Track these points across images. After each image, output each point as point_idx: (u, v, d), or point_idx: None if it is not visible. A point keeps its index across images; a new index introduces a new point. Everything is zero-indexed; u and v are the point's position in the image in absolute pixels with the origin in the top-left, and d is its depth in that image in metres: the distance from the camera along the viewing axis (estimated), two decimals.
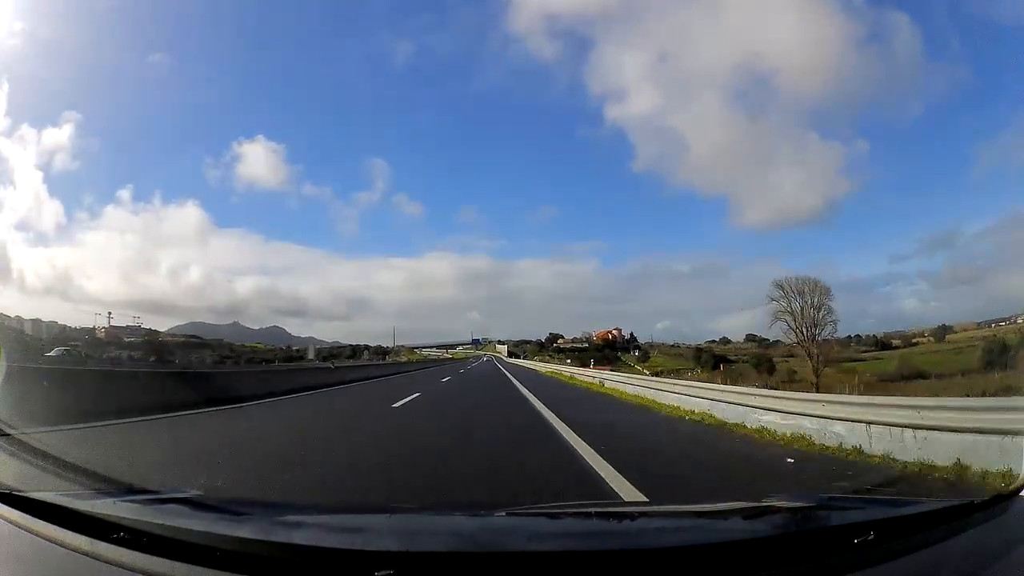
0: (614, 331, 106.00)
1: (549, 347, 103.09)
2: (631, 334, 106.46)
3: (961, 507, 1.43)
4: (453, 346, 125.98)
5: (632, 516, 2.01)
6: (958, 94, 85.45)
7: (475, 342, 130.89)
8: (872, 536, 1.21)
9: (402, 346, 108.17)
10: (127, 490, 2.35)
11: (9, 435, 3.67)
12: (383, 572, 1.02)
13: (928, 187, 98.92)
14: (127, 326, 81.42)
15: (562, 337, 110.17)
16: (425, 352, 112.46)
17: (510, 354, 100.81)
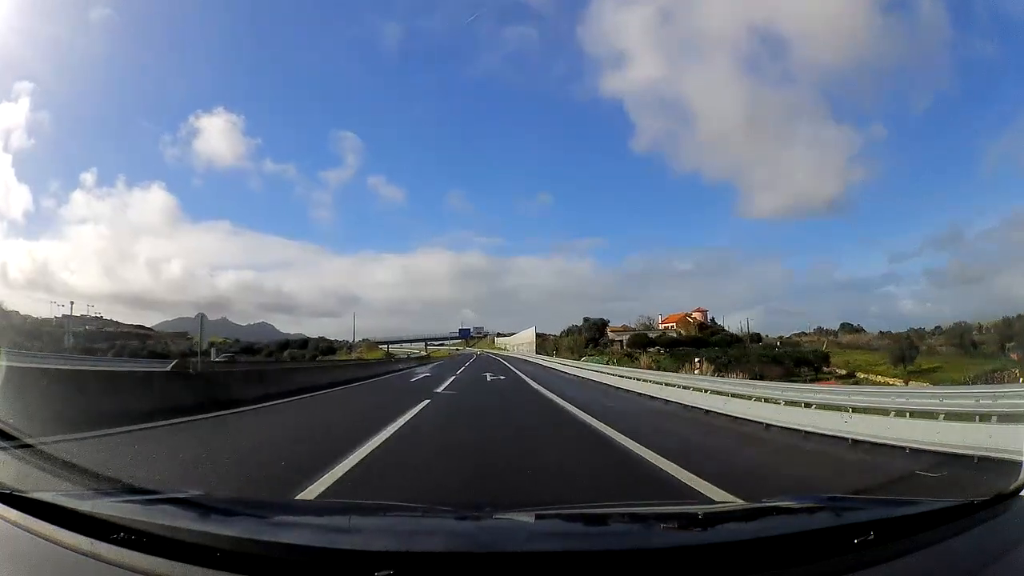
0: (697, 313, 71.06)
1: (599, 340, 67.68)
2: (712, 320, 72.20)
3: (961, 507, 1.43)
4: (439, 340, 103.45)
5: (633, 516, 2.01)
6: (971, 84, 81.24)
7: (464, 334, 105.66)
8: (872, 536, 1.22)
9: (365, 340, 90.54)
10: (127, 490, 2.35)
11: (10, 436, 3.66)
12: (383, 572, 1.02)
13: (935, 183, 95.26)
14: (80, 315, 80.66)
15: (608, 323, 73.50)
16: (398, 348, 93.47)
17: (541, 350, 61.14)
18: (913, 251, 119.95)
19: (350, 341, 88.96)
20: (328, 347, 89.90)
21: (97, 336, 76.01)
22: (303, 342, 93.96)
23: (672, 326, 68.68)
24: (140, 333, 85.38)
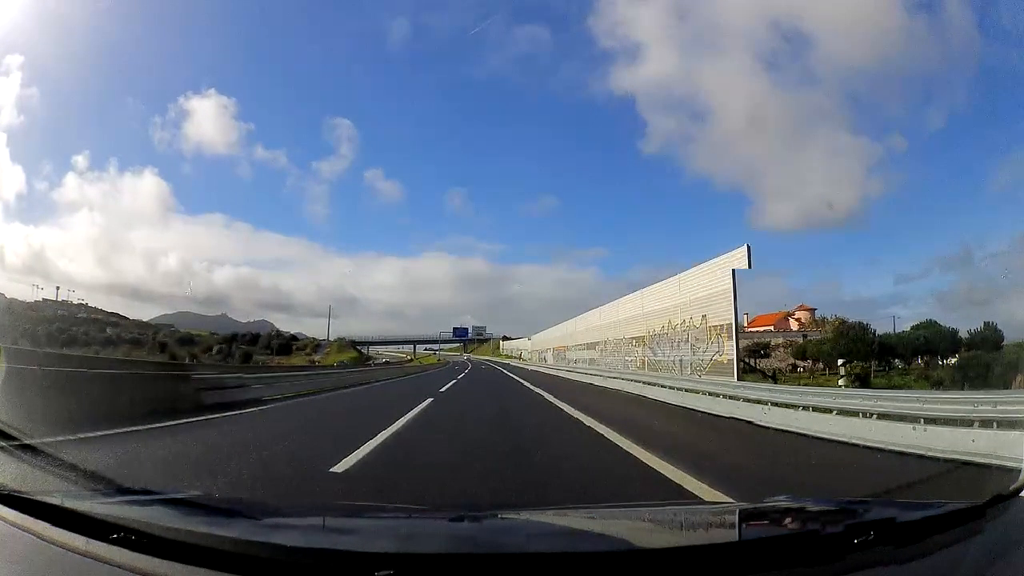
0: (802, 311, 54.89)
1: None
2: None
3: (961, 509, 1.43)
4: (432, 343, 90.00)
5: (633, 517, 2.01)
6: (991, 98, 76.43)
7: (460, 335, 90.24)
8: (872, 537, 1.22)
9: (339, 339, 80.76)
10: (126, 491, 2.35)
11: (10, 436, 3.66)
12: (383, 573, 1.02)
13: (948, 201, 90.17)
14: (61, 301, 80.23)
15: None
16: (395, 351, 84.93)
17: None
18: (920, 272, 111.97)
19: (317, 339, 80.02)
20: (284, 345, 79.06)
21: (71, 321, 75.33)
22: (254, 337, 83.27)
23: (770, 328, 51.55)
24: (111, 322, 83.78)
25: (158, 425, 7.32)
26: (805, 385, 20.53)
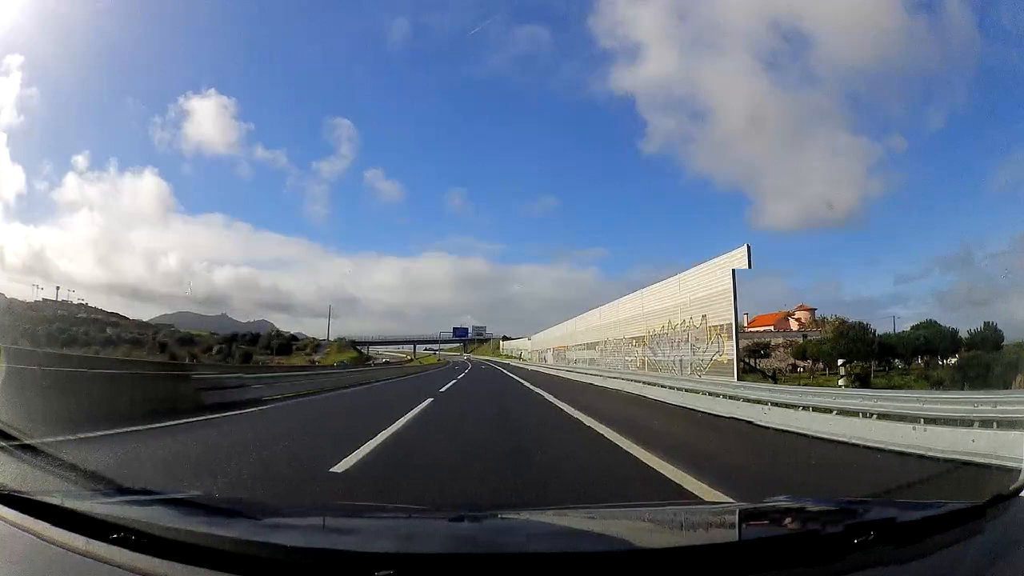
0: (802, 311, 54.36)
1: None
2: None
3: (961, 509, 1.43)
4: (432, 343, 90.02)
5: (633, 516, 2.02)
6: (992, 98, 76.12)
7: (460, 335, 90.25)
8: (872, 537, 1.22)
9: (339, 339, 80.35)
10: (126, 491, 2.35)
11: (10, 436, 3.66)
12: (383, 573, 1.02)
13: (948, 200, 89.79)
14: (61, 301, 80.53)
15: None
16: (397, 351, 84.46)
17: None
18: (920, 272, 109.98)
19: (317, 339, 79.83)
20: (284, 345, 78.24)
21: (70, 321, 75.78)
22: (254, 337, 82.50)
23: (770, 328, 51.01)
24: (112, 322, 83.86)
25: (158, 425, 7.31)
26: (805, 385, 20.83)
